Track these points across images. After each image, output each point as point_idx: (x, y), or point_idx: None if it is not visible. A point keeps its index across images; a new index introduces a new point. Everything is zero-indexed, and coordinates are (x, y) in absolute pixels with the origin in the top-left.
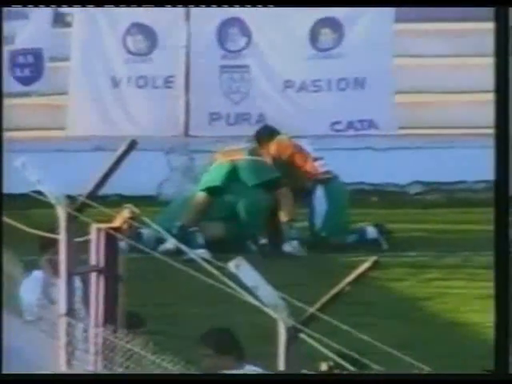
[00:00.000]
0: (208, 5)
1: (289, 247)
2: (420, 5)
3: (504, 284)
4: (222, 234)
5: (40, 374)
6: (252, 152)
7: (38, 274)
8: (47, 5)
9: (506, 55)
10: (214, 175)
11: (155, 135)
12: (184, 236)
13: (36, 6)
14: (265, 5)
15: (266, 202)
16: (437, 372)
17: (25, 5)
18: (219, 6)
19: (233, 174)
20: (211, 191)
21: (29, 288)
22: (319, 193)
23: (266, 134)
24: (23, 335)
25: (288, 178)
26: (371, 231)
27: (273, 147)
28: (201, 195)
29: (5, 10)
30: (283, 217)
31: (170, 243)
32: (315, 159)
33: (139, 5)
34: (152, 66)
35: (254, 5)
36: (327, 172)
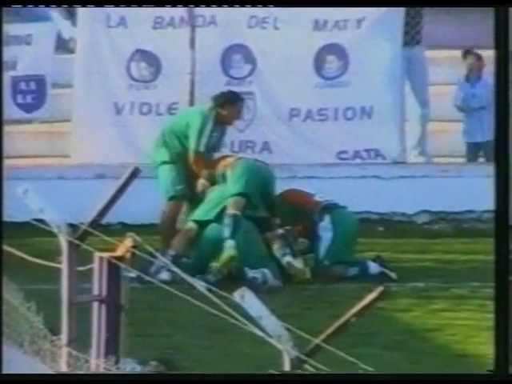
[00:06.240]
0: (208, 5)
1: (288, 263)
2: (420, 5)
3: (504, 287)
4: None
5: (40, 374)
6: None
7: None
8: (47, 5)
9: (505, 56)
10: (208, 205)
11: None
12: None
13: (36, 6)
14: (266, 5)
15: (259, 234)
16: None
17: (25, 5)
18: (219, 6)
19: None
20: (202, 224)
21: None
22: (325, 221)
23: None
24: (23, 366)
25: (294, 217)
26: (373, 266)
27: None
28: (190, 224)
29: (6, 34)
30: (277, 251)
31: (165, 274)
32: (312, 194)
33: (140, 5)
34: (156, 92)
35: (254, 5)
36: (329, 201)
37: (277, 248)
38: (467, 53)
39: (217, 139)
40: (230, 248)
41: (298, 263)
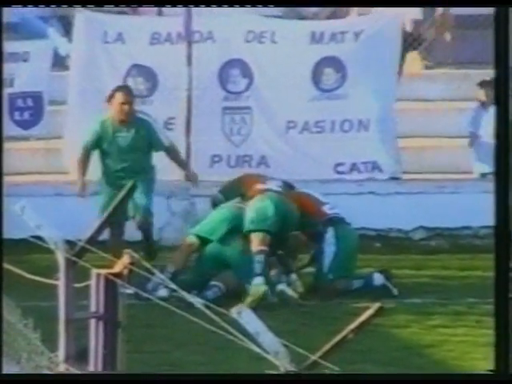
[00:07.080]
0: (208, 5)
1: (282, 286)
2: (420, 5)
3: (504, 303)
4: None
5: (40, 374)
6: None
7: None
8: (47, 5)
9: (506, 57)
10: (215, 224)
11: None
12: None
13: (36, 6)
14: (267, 5)
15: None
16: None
17: (25, 5)
18: (219, 6)
19: (234, 222)
20: (204, 240)
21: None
22: (329, 234)
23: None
24: None
25: (300, 224)
26: (378, 277)
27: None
28: (191, 239)
29: (4, 48)
30: (272, 277)
31: (163, 290)
32: (323, 203)
33: (140, 4)
34: (152, 107)
35: (254, 5)
36: (336, 214)
37: (273, 274)
38: (484, 83)
39: (117, 140)
40: (259, 284)
41: (291, 290)
